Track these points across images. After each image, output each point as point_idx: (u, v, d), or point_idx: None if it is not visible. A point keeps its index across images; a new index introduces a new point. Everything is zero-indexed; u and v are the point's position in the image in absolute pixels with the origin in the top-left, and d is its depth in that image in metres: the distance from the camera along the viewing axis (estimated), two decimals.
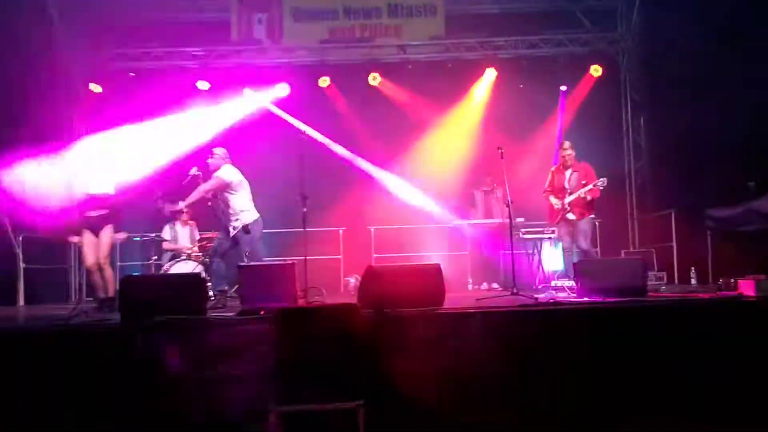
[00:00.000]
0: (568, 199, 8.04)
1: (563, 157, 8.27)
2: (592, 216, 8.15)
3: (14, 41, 9.32)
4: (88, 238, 7.27)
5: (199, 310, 4.85)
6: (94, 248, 7.30)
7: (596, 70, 11.19)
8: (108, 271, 7.34)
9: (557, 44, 11.46)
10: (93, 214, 7.25)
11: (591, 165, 8.21)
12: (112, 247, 7.48)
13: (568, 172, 8.19)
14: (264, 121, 11.45)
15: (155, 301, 4.75)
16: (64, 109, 11.35)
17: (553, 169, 8.47)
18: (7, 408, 4.17)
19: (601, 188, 7.93)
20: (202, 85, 11.36)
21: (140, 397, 4.25)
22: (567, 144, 8.33)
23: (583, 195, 7.92)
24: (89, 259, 7.26)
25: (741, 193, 8.32)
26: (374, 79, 11.37)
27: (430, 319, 4.53)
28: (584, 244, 7.95)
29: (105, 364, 4.30)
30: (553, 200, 8.23)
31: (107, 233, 7.30)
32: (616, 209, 8.28)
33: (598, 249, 10.10)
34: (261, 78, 11.52)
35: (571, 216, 8.04)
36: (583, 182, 7.98)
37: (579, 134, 8.43)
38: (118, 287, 6.25)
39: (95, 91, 11.27)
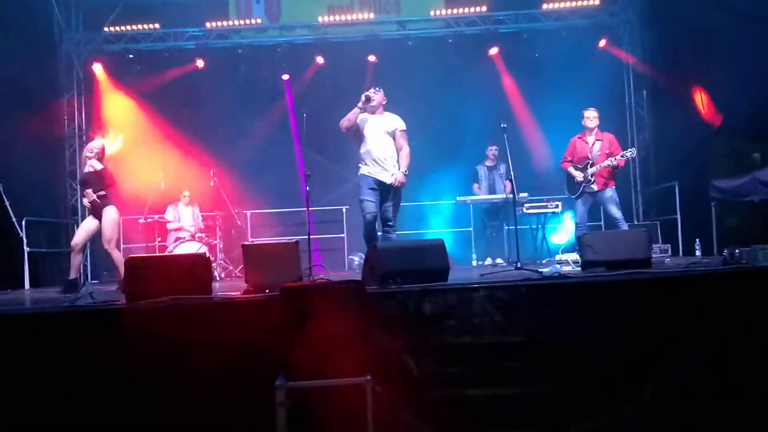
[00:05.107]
0: (592, 169, 7.79)
1: (587, 123, 7.95)
2: (614, 186, 7.92)
3: (16, 23, 9.30)
4: (87, 220, 7.28)
5: (205, 290, 4.85)
6: (85, 231, 7.27)
7: (602, 42, 11.12)
8: (115, 254, 7.31)
9: (558, 17, 11.34)
10: (92, 196, 7.19)
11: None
12: (116, 229, 7.37)
13: (590, 140, 7.93)
14: (266, 99, 11.41)
15: (161, 282, 4.74)
16: (64, 89, 11.34)
17: (574, 138, 8.17)
18: (13, 390, 4.19)
19: (630, 158, 7.75)
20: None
21: (145, 377, 4.26)
22: (592, 110, 7.99)
23: (614, 163, 7.66)
24: (74, 239, 7.31)
25: (745, 163, 8.30)
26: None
27: (435, 295, 4.53)
28: (617, 213, 7.69)
29: (111, 345, 4.31)
30: (574, 171, 7.94)
31: (106, 215, 7.19)
32: (620, 182, 8.20)
33: (602, 223, 10.10)
34: (260, 57, 11.48)
35: (593, 187, 7.81)
36: (607, 152, 7.76)
37: (581, 107, 8.33)
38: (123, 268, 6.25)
39: (96, 72, 11.22)
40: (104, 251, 7.30)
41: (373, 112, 6.73)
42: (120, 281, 7.20)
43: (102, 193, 7.19)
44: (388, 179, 6.64)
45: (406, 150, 6.73)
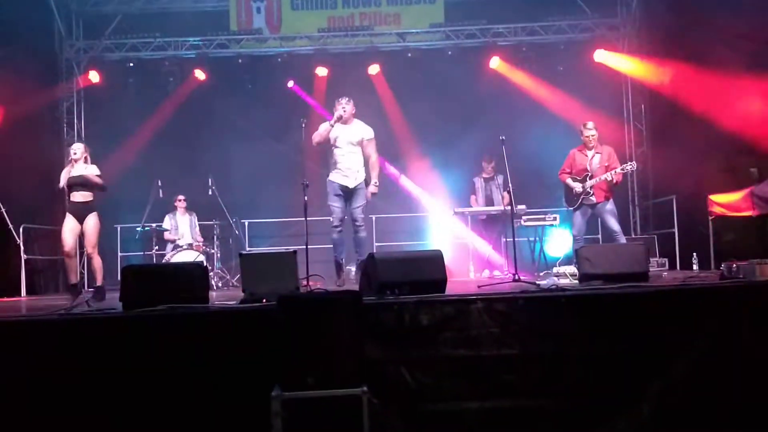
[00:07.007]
0: (591, 182, 7.75)
1: (586, 137, 7.92)
2: (613, 199, 7.88)
3: (16, 30, 9.30)
4: (69, 222, 7.13)
5: (202, 299, 4.84)
6: (73, 234, 7.16)
7: (600, 54, 11.15)
8: (96, 260, 7.19)
9: (557, 31, 11.40)
10: (78, 199, 7.13)
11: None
12: (100, 234, 7.29)
13: (590, 153, 7.91)
14: (265, 109, 11.42)
15: (157, 291, 4.73)
16: (64, 97, 11.33)
17: (573, 150, 8.15)
18: (7, 398, 4.17)
19: (630, 172, 7.84)
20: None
21: (141, 386, 4.24)
22: (591, 124, 7.97)
23: (610, 178, 7.65)
24: (66, 244, 7.13)
25: (742, 178, 8.31)
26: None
27: (432, 306, 4.52)
28: (615, 225, 7.67)
29: (107, 353, 4.29)
30: (572, 183, 7.91)
31: (92, 221, 7.12)
32: (618, 195, 8.21)
33: (600, 236, 10.10)
34: (260, 67, 11.51)
35: (592, 199, 7.77)
36: (606, 165, 7.75)
37: (580, 120, 8.35)
38: (119, 277, 6.22)
39: (93, 80, 11.22)
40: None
41: (344, 123, 7.01)
42: (96, 287, 7.13)
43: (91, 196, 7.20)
44: (351, 184, 7.15)
45: (374, 158, 7.10)
